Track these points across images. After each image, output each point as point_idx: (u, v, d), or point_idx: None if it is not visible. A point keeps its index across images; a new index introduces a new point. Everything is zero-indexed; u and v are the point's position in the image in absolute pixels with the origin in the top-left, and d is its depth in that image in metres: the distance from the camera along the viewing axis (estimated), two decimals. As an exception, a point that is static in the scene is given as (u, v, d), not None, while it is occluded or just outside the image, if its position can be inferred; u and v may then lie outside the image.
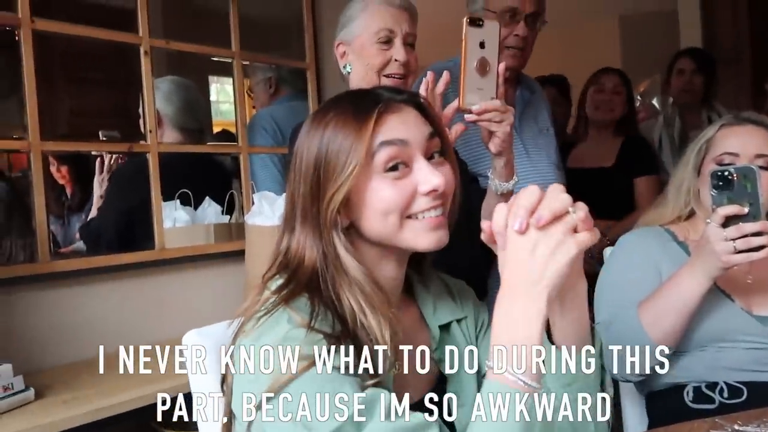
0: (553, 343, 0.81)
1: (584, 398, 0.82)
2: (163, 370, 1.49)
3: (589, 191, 2.39)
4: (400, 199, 0.80)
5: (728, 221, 1.17)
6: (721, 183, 1.19)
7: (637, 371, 1.32)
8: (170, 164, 2.07)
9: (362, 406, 0.69)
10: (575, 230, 0.68)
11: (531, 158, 1.74)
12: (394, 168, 0.80)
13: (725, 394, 1.28)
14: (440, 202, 0.83)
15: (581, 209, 0.69)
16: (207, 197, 2.27)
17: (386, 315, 0.78)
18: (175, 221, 2.17)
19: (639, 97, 3.27)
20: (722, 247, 1.16)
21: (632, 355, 1.29)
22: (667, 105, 3.03)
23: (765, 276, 1.33)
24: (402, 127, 0.81)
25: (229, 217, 2.34)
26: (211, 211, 2.28)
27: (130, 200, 2.11)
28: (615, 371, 1.32)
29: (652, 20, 4.04)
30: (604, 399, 0.84)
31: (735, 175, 1.18)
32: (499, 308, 0.70)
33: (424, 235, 0.82)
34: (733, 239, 1.15)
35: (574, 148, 2.55)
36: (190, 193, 2.21)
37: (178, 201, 2.19)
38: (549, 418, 0.72)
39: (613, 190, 2.40)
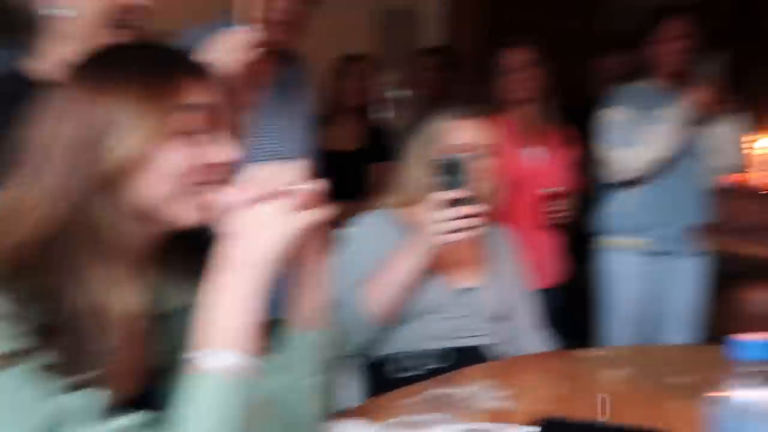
0: (288, 324, 0.81)
1: (313, 378, 0.82)
2: None
3: (333, 174, 2.42)
4: (189, 165, 0.73)
5: (449, 204, 1.30)
6: (443, 171, 1.32)
7: (356, 346, 1.39)
8: None
9: (61, 412, 0.60)
10: (304, 208, 0.67)
11: (283, 135, 1.66)
12: (185, 133, 0.73)
13: (433, 362, 1.40)
14: (224, 177, 0.76)
15: (307, 186, 0.68)
16: None
17: (132, 292, 0.70)
18: None
19: (380, 87, 3.44)
20: (439, 228, 1.29)
21: (354, 328, 1.35)
22: (404, 97, 3.22)
23: (467, 253, 1.50)
24: (201, 94, 0.75)
25: None
26: None
27: None
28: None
29: (395, 16, 4.25)
30: (331, 379, 0.85)
31: (453, 163, 1.32)
32: (211, 288, 0.67)
33: (195, 210, 0.75)
34: (451, 220, 1.28)
35: (320, 131, 2.57)
36: None
37: None
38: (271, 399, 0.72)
39: (354, 175, 2.47)
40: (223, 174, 0.77)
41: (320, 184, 0.70)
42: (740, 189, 2.54)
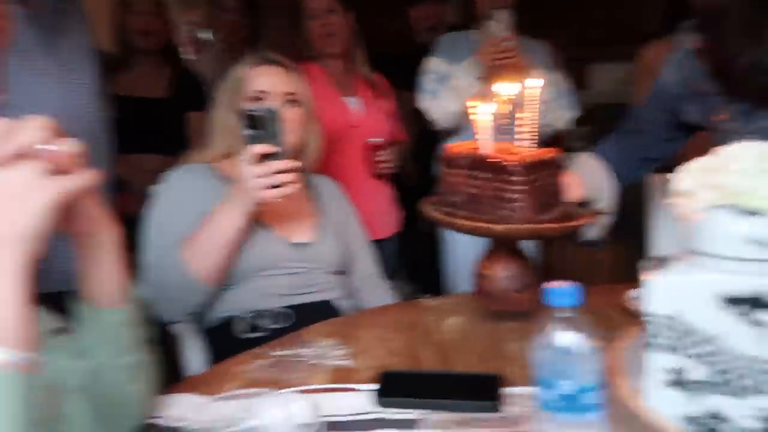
0: (85, 302, 0.74)
1: (126, 357, 0.77)
2: None
3: (141, 123, 2.22)
4: None
5: (261, 159, 1.22)
6: (251, 122, 1.23)
7: (183, 311, 1.33)
8: None
9: None
10: (62, 173, 0.59)
11: (61, 82, 1.37)
12: None
13: (274, 321, 1.36)
14: None
15: (67, 147, 0.59)
16: None
17: None
18: None
19: (185, 30, 3.21)
20: (254, 184, 1.22)
21: (179, 293, 1.29)
22: (207, 40, 3.01)
23: (297, 206, 1.46)
24: None
25: None
26: None
27: None
28: (164, 313, 1.31)
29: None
30: (145, 355, 0.80)
31: (261, 115, 1.23)
32: None
33: None
34: (263, 176, 1.21)
35: (118, 73, 2.30)
36: None
37: None
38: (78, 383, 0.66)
39: (165, 124, 2.27)
40: None
41: (76, 145, 0.61)
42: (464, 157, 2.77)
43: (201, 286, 1.28)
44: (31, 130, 0.58)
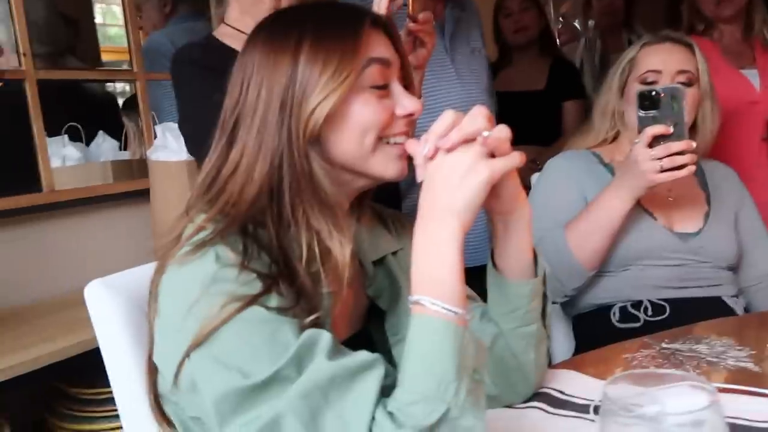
0: (496, 269, 0.81)
1: (526, 327, 0.82)
2: (63, 327, 1.40)
3: (520, 115, 2.31)
4: (381, 118, 0.76)
5: (654, 141, 1.17)
6: (647, 102, 1.18)
7: (561, 293, 1.34)
8: (47, 94, 1.81)
9: (303, 347, 0.63)
10: (493, 155, 0.67)
11: (463, 83, 1.63)
12: (378, 86, 0.76)
13: (649, 312, 1.30)
14: (410, 129, 0.80)
15: (499, 132, 0.66)
16: (100, 131, 2.03)
17: (349, 237, 0.74)
18: (64, 159, 1.92)
19: (561, 19, 3.13)
20: (649, 166, 1.17)
21: (558, 275, 1.30)
22: (588, 27, 2.98)
23: (684, 194, 1.36)
24: (385, 46, 0.78)
25: (128, 153, 2.10)
26: (106, 146, 2.03)
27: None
28: None
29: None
30: (544, 327, 0.84)
31: (662, 94, 1.17)
32: (415, 236, 0.67)
33: (394, 162, 0.78)
34: (660, 158, 1.16)
35: (502, 71, 2.42)
36: (80, 127, 1.96)
37: (66, 137, 1.94)
38: (486, 345, 0.71)
39: (543, 114, 2.35)
40: (411, 125, 0.79)
41: (507, 130, 0.67)
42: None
43: (582, 270, 1.28)
44: (476, 119, 0.66)
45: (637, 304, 1.31)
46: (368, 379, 0.62)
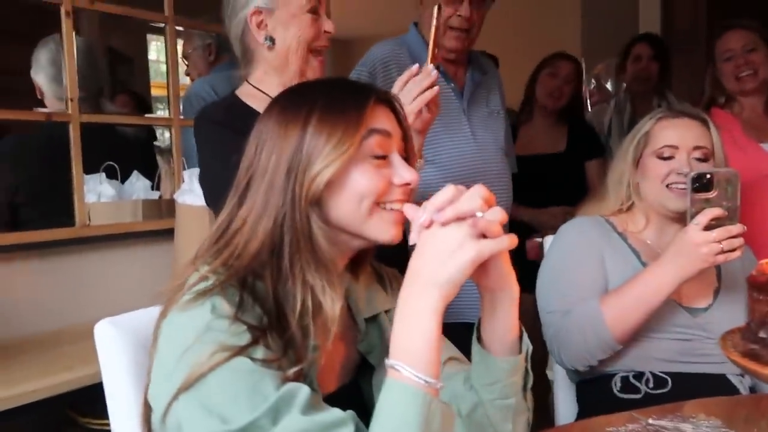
0: (480, 344, 0.84)
1: (505, 399, 0.84)
2: (82, 357, 1.46)
3: (544, 178, 2.36)
4: (379, 186, 0.81)
5: (707, 224, 1.19)
6: (698, 185, 1.20)
7: (586, 362, 1.33)
8: (90, 135, 1.96)
9: (281, 400, 0.67)
10: (485, 235, 0.69)
11: (478, 141, 1.69)
12: (376, 156, 0.81)
13: (651, 384, 1.30)
14: (407, 197, 0.84)
15: (493, 214, 0.69)
16: (135, 171, 2.15)
17: (341, 294, 0.79)
18: (100, 196, 2.04)
19: (593, 81, 3.17)
20: (709, 249, 1.19)
21: (589, 347, 1.30)
22: (620, 90, 3.01)
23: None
24: (387, 120, 0.84)
25: (159, 193, 2.21)
26: (139, 186, 2.14)
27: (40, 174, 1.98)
28: (565, 360, 1.35)
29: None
30: (525, 399, 0.86)
31: (717, 177, 1.20)
32: (399, 301, 0.71)
33: (388, 227, 0.82)
34: (719, 241, 1.18)
35: (519, 132, 2.47)
36: (116, 166, 2.08)
37: (103, 174, 2.06)
38: (455, 412, 0.75)
39: (567, 176, 2.39)
40: (408, 194, 0.84)
41: (501, 213, 0.70)
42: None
43: (613, 344, 1.28)
44: (473, 199, 0.70)
45: (639, 376, 1.31)
46: None
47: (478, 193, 0.70)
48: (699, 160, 1.34)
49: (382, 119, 0.83)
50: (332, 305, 0.77)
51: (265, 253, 0.78)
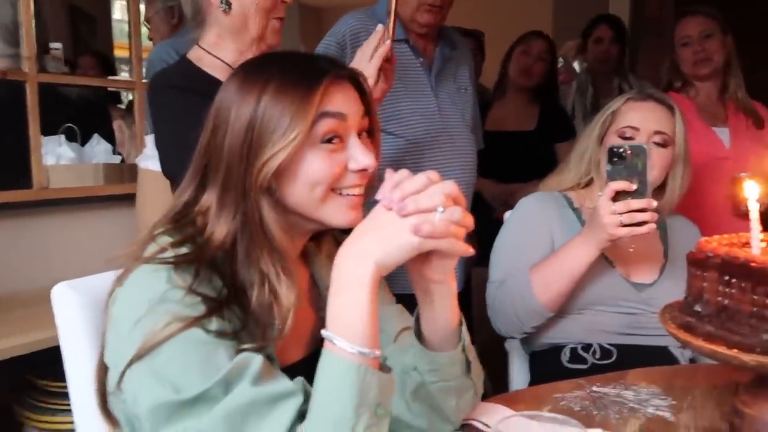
0: (420, 333, 0.84)
1: (446, 382, 0.85)
2: (39, 320, 1.46)
3: (512, 155, 2.38)
4: (330, 172, 0.79)
5: (618, 196, 1.22)
6: (616, 159, 1.23)
7: (520, 330, 1.39)
8: (50, 96, 1.91)
9: (233, 371, 0.68)
10: (437, 236, 0.68)
11: (443, 116, 1.70)
12: (329, 140, 0.79)
13: (597, 356, 1.35)
14: (364, 181, 0.83)
15: (451, 213, 0.69)
16: (95, 134, 2.11)
17: (296, 281, 0.78)
18: (59, 158, 1.99)
19: (561, 59, 3.21)
20: (609, 220, 1.21)
21: (519, 314, 1.36)
22: (582, 70, 3.04)
23: (643, 247, 1.40)
24: (343, 101, 0.80)
25: (120, 156, 2.19)
26: (100, 149, 2.11)
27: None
28: (500, 328, 1.42)
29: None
30: (468, 379, 0.87)
31: (629, 151, 1.22)
32: (333, 268, 0.71)
33: (344, 211, 0.82)
34: (620, 213, 1.20)
35: (492, 109, 2.50)
36: (76, 128, 2.04)
37: (62, 136, 2.02)
38: (394, 380, 0.73)
39: (535, 154, 2.40)
40: (366, 178, 0.83)
41: (459, 213, 0.69)
42: None
43: (542, 311, 1.34)
44: (435, 196, 0.69)
45: (587, 347, 1.36)
46: (286, 406, 0.67)
47: (442, 190, 0.69)
48: (658, 144, 1.38)
49: (336, 100, 0.79)
50: (288, 293, 0.77)
51: (229, 241, 0.78)
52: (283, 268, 0.77)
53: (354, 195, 0.82)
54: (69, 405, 0.99)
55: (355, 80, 0.84)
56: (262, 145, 0.76)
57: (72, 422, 0.99)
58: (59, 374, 1.58)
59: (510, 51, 2.57)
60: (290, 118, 0.76)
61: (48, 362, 1.48)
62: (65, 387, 0.98)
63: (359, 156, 0.80)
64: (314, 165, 0.78)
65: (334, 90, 0.80)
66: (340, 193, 0.81)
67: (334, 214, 0.81)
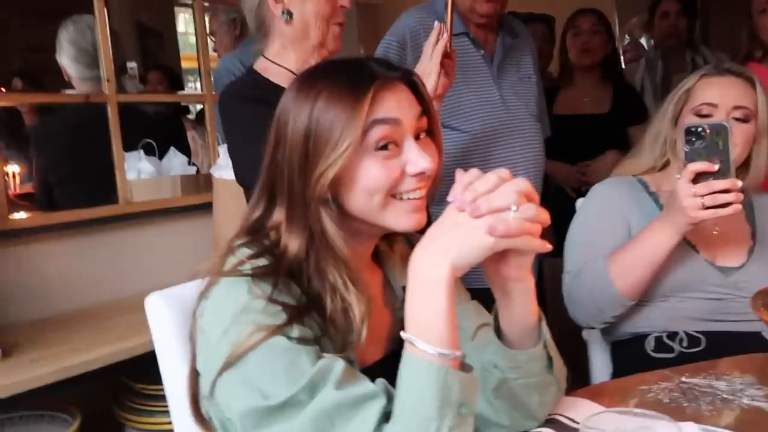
0: (499, 330, 0.83)
1: (527, 378, 0.84)
2: (134, 327, 1.54)
3: (584, 138, 2.31)
4: (388, 179, 0.79)
5: (698, 177, 1.16)
6: (694, 138, 1.17)
7: (600, 320, 1.36)
8: (128, 113, 2.02)
9: (316, 375, 0.70)
10: (511, 235, 0.67)
11: (508, 108, 1.69)
12: (384, 147, 0.79)
13: (684, 344, 1.30)
14: (425, 184, 0.82)
15: (525, 211, 0.67)
16: (172, 147, 2.21)
17: (365, 292, 0.79)
18: (139, 173, 2.11)
19: (627, 36, 3.04)
20: (690, 203, 1.16)
21: (598, 304, 1.32)
22: (650, 46, 2.90)
23: (729, 229, 1.34)
24: (395, 106, 0.79)
25: (196, 167, 2.28)
26: (177, 162, 2.21)
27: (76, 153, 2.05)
28: (579, 319, 1.38)
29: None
30: (550, 375, 0.86)
31: (708, 130, 1.16)
32: (409, 268, 0.71)
33: (406, 216, 0.81)
34: (702, 195, 1.15)
35: (560, 94, 2.41)
36: (153, 143, 2.15)
37: (141, 151, 2.13)
38: (477, 379, 0.73)
39: (609, 137, 2.33)
40: (426, 180, 0.82)
41: (533, 210, 0.68)
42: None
43: (622, 300, 1.29)
44: (508, 194, 0.67)
45: (672, 335, 1.32)
46: (370, 408, 0.69)
47: (515, 187, 0.68)
48: (738, 120, 1.31)
49: (387, 105, 0.78)
50: (357, 303, 0.77)
51: (303, 254, 0.79)
52: (350, 278, 0.78)
53: (415, 199, 0.81)
54: (166, 406, 1.05)
55: (410, 81, 0.83)
56: (317, 157, 0.77)
57: (170, 422, 1.04)
58: (154, 377, 1.67)
59: (563, 38, 2.50)
60: (341, 129, 0.76)
61: (143, 366, 1.58)
62: (161, 390, 1.04)
63: (417, 159, 0.79)
64: (370, 173, 0.78)
65: (385, 95, 0.79)
66: (401, 198, 0.81)
67: (397, 219, 0.81)
